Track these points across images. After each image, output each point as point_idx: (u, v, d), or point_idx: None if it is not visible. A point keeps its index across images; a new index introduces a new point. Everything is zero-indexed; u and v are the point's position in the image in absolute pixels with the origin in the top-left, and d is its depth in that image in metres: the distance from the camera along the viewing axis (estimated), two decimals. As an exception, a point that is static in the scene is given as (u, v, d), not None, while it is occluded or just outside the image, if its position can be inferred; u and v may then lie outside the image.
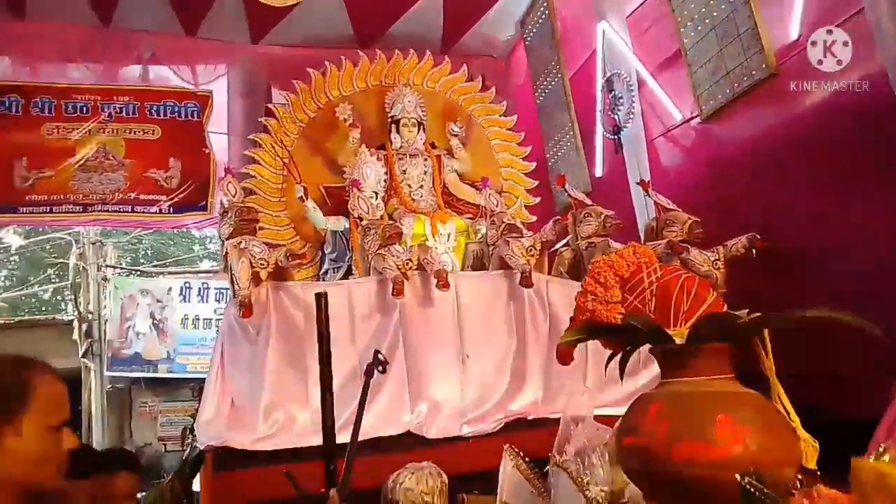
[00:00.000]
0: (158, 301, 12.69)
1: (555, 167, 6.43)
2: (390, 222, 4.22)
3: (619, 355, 1.45)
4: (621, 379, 1.54)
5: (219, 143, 6.72)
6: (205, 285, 12.92)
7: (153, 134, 6.54)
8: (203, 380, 12.46)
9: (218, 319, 12.81)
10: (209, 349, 12.70)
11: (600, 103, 5.51)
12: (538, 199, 6.34)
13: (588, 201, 4.37)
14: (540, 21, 6.39)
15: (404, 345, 3.68)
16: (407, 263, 3.72)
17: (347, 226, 5.32)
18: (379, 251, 3.77)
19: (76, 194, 6.26)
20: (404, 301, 3.66)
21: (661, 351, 1.26)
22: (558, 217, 4.11)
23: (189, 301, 12.77)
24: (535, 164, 6.45)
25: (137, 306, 12.54)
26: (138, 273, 13.44)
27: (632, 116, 5.10)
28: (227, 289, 13.22)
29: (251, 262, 3.53)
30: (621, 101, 5.21)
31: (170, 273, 13.53)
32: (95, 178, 6.32)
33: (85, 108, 6.42)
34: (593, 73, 5.66)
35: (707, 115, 4.42)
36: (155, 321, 12.69)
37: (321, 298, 2.74)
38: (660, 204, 4.28)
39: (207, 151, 6.60)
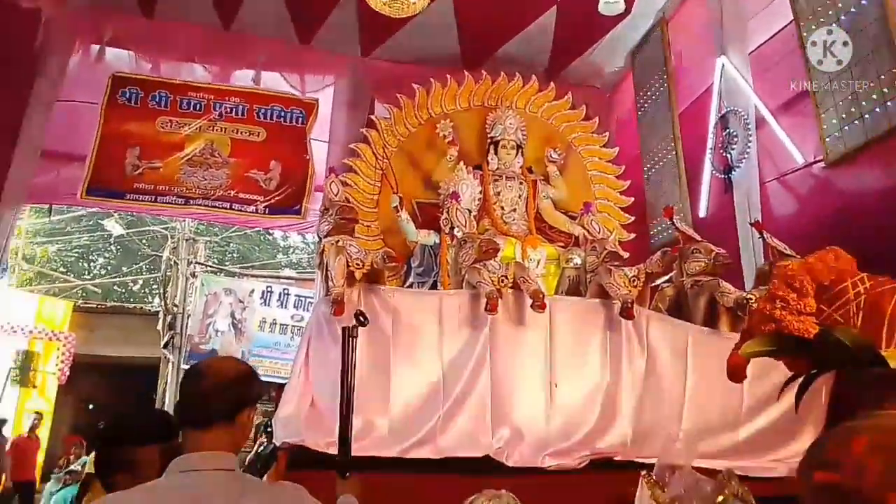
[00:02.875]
0: (240, 301, 13.03)
1: (654, 203, 6.20)
2: (487, 237, 4.12)
3: (800, 379, 1.23)
4: (796, 408, 1.32)
5: (319, 151, 6.84)
6: (286, 291, 13.21)
7: (258, 136, 6.73)
8: (275, 384, 12.75)
9: (295, 326, 13.09)
10: (283, 353, 13.08)
11: (712, 141, 5.27)
12: (633, 236, 6.13)
13: (697, 236, 4.14)
14: (653, 53, 6.23)
15: (491, 364, 3.52)
16: (502, 280, 3.59)
17: (437, 241, 5.27)
18: (474, 265, 3.66)
19: (180, 187, 6.48)
20: (496, 318, 3.52)
21: (875, 376, 1.02)
22: (668, 249, 3.89)
23: (269, 305, 13.05)
24: (632, 199, 6.26)
25: (220, 304, 12.91)
26: (225, 272, 13.83)
27: (746, 156, 4.85)
28: (306, 297, 13.54)
29: (348, 262, 3.49)
30: (736, 139, 4.96)
31: (254, 276, 13.87)
32: (200, 174, 6.53)
33: (198, 106, 6.68)
34: (706, 109, 5.44)
35: (833, 160, 4.13)
36: (234, 321, 13.02)
37: (347, 332, 2.59)
38: (775, 248, 4.01)
39: (307, 157, 6.73)
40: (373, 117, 6.38)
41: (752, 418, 3.68)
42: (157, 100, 6.63)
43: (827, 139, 4.15)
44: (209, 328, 12.89)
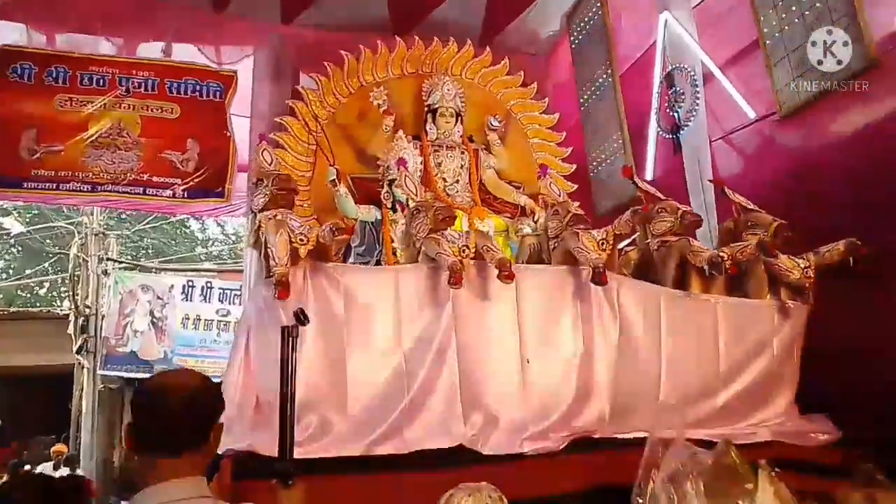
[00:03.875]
0: (159, 298, 12.23)
1: (599, 169, 6.03)
2: (442, 204, 3.78)
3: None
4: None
5: (240, 127, 6.31)
6: (208, 284, 12.49)
7: (172, 112, 6.13)
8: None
9: (220, 321, 12.41)
10: (210, 351, 12.36)
11: (657, 101, 5.12)
12: (577, 204, 5.95)
13: (660, 195, 3.95)
14: (590, 14, 6.02)
15: (457, 343, 3.19)
16: (463, 250, 3.27)
17: (379, 217, 4.91)
18: (430, 235, 3.32)
19: (85, 172, 5.83)
20: (459, 293, 3.19)
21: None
22: (638, 207, 3.66)
23: (191, 300, 12.31)
24: (574, 166, 6.07)
25: (137, 303, 12.07)
26: (141, 268, 12.94)
27: (694, 114, 4.71)
28: (231, 289, 12.85)
29: (290, 237, 3.09)
30: (683, 97, 4.82)
31: (173, 270, 13.05)
32: (107, 156, 5.90)
33: (102, 81, 6.02)
34: (649, 68, 5.28)
35: (787, 113, 4.02)
36: (154, 319, 12.22)
37: (288, 331, 2.34)
38: (739, 204, 3.87)
39: (228, 134, 6.20)
40: (299, 88, 5.91)
41: (728, 383, 3.53)
42: (53, 76, 5.93)
43: (779, 91, 4.03)
44: (126, 329, 12.03)
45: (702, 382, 3.51)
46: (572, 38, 6.37)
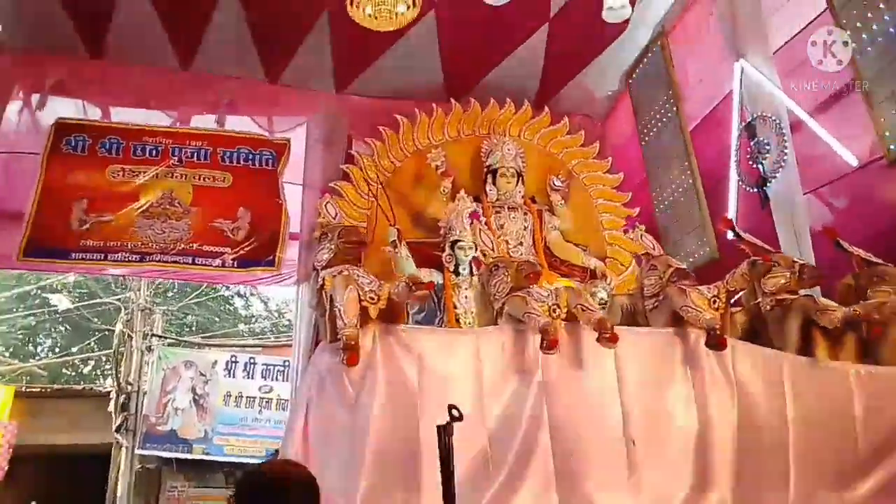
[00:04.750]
0: (202, 374, 11.93)
1: (669, 230, 5.65)
2: (526, 259, 3.42)
3: None
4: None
5: (292, 195, 6.14)
6: (252, 360, 12.17)
7: (224, 181, 6.00)
8: (241, 464, 11.58)
9: (263, 398, 12.02)
10: (251, 430, 11.95)
11: (736, 153, 4.77)
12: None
13: (767, 247, 3.53)
14: (653, 70, 5.79)
15: (550, 421, 2.75)
16: (554, 309, 2.90)
17: (441, 281, 4.58)
18: (515, 294, 2.95)
19: (134, 241, 5.66)
20: (549, 361, 2.79)
21: None
22: (757, 259, 3.23)
23: (234, 376, 11.98)
24: (643, 227, 5.72)
25: (179, 379, 11.79)
26: (185, 343, 12.75)
27: (783, 165, 4.34)
28: (274, 365, 12.57)
29: (359, 295, 2.76)
30: (767, 148, 4.47)
31: (217, 346, 12.82)
32: (158, 226, 5.74)
33: (154, 152, 5.94)
34: (724, 121, 4.97)
35: (896, 157, 3.63)
36: (196, 396, 11.88)
37: (443, 432, 2.03)
38: (859, 258, 3.42)
39: (280, 202, 6.01)
40: (353, 152, 5.76)
41: (869, 471, 2.96)
42: (107, 147, 5.87)
43: (887, 133, 3.66)
44: (167, 406, 11.70)
45: (837, 468, 2.97)
46: (633, 97, 6.13)
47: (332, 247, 3.06)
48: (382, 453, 2.62)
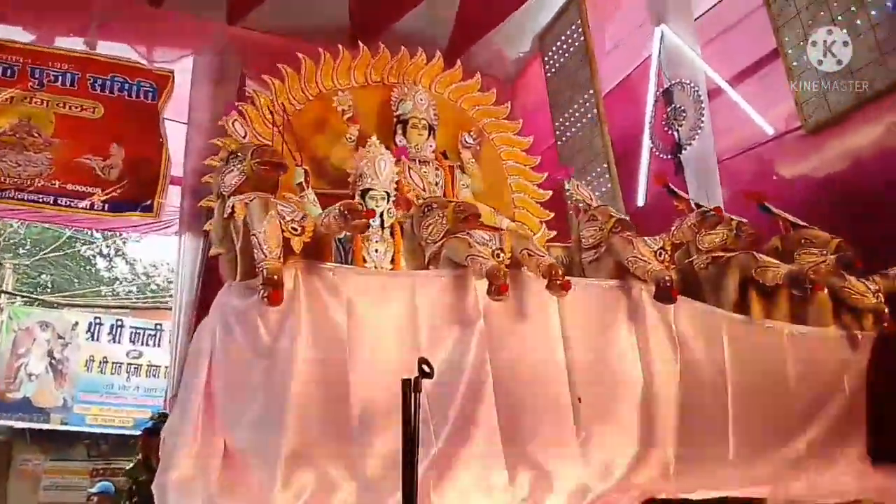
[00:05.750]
0: (60, 337, 10.83)
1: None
2: (462, 201, 3.12)
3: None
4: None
5: (175, 134, 5.49)
6: (119, 322, 11.19)
7: (93, 112, 5.26)
8: (105, 435, 10.60)
9: (131, 364, 11.10)
10: (116, 398, 11.02)
11: (651, 119, 4.71)
12: (554, 233, 5.46)
13: (701, 204, 3.43)
14: (567, 34, 5.64)
15: (493, 375, 2.47)
16: (497, 254, 2.63)
17: (349, 233, 4.21)
18: (454, 235, 2.65)
19: (-16, 175, 4.87)
20: (491, 310, 2.51)
21: None
22: (709, 210, 3.08)
23: (98, 340, 10.97)
24: (550, 192, 5.61)
25: (34, 342, 10.63)
26: (42, 302, 11.51)
27: (699, 132, 4.31)
28: (145, 329, 11.63)
29: (281, 225, 2.34)
30: (683, 115, 4.43)
31: (79, 306, 11.67)
32: (11, 158, 4.95)
33: (10, 72, 5.11)
34: (639, 87, 4.90)
35: (815, 126, 3.66)
36: (53, 361, 10.78)
37: (409, 386, 1.83)
38: (786, 220, 3.40)
39: (161, 141, 5.36)
40: (248, 90, 5.21)
41: (801, 430, 2.94)
42: (-52, 62, 4.98)
43: (805, 103, 3.67)
44: (20, 371, 10.54)
45: (773, 428, 2.92)
46: (546, 59, 5.97)
47: (244, 168, 2.57)
48: (306, 410, 2.24)
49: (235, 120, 2.92)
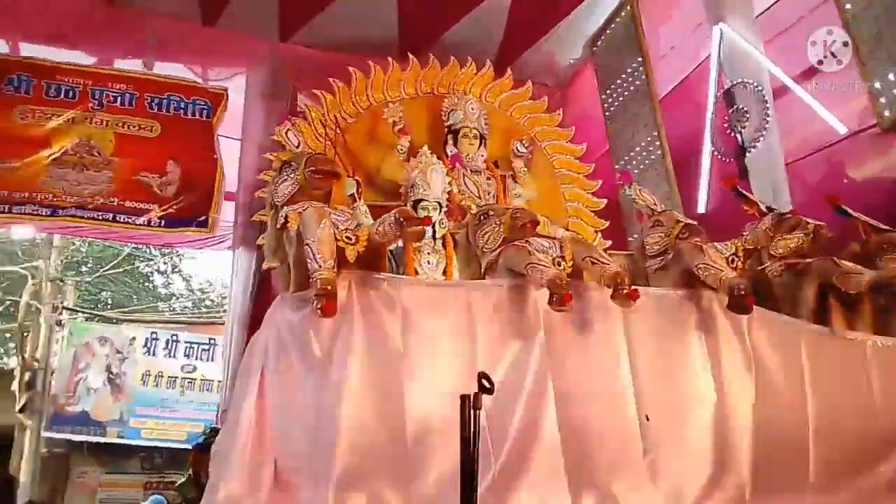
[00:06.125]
0: (118, 352, 11.06)
1: (632, 205, 5.40)
2: (520, 207, 3.03)
3: None
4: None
5: (229, 150, 5.57)
6: (174, 338, 11.38)
7: (151, 131, 5.36)
8: (159, 449, 10.76)
9: (185, 378, 11.28)
10: (171, 412, 11.19)
11: (711, 122, 4.54)
12: (609, 243, 5.31)
13: (773, 207, 3.26)
14: (619, 36, 5.52)
15: (556, 393, 2.33)
16: (558, 262, 2.53)
17: (402, 245, 4.17)
18: (513, 243, 2.56)
19: (45, 193, 4.99)
20: (553, 322, 2.39)
21: None
22: (785, 213, 2.92)
23: (154, 354, 11.17)
24: (605, 201, 5.47)
25: (93, 356, 10.89)
26: (101, 318, 11.81)
27: (764, 133, 4.12)
28: (199, 343, 11.83)
29: (335, 233, 2.29)
30: (747, 116, 4.25)
31: (136, 321, 11.94)
32: (72, 176, 5.08)
33: (71, 93, 5.25)
34: (699, 89, 4.73)
35: (891, 124, 3.46)
36: (111, 375, 11.02)
37: (469, 402, 1.72)
38: (867, 224, 3.20)
39: (215, 157, 5.43)
40: (300, 104, 5.25)
41: (889, 452, 2.74)
42: (15, 84, 5.15)
43: (882, 100, 3.47)
44: (79, 385, 10.81)
45: (857, 451, 2.71)
46: (598, 65, 5.85)
47: (298, 177, 2.52)
48: (359, 428, 2.17)
49: (289, 130, 2.88)
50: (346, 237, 2.34)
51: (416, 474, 2.21)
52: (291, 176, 2.55)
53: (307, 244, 2.27)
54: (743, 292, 2.45)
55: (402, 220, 2.25)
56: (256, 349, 2.50)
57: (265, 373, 2.41)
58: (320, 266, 2.20)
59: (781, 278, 3.06)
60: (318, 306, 2.15)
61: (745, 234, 2.88)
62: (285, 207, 2.49)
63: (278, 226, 2.51)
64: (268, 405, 2.37)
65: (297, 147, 2.77)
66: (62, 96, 5.22)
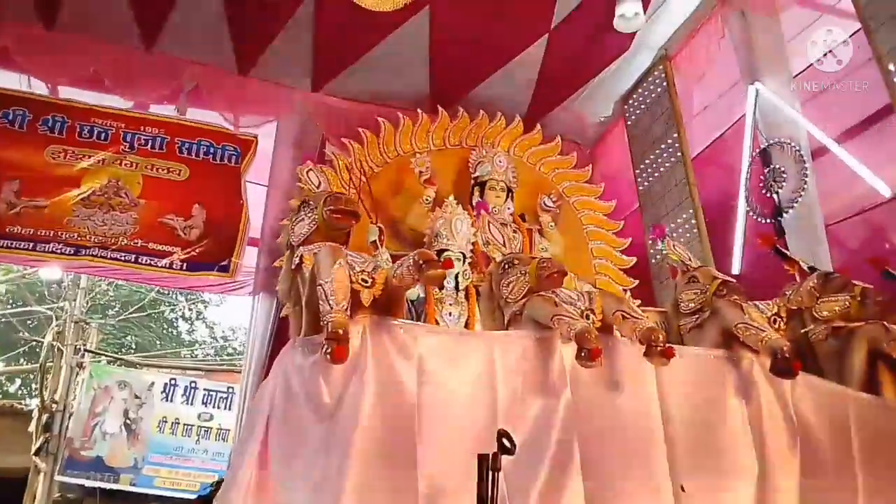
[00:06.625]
0: (136, 397, 10.98)
1: (661, 265, 5.24)
2: (547, 257, 2.91)
3: None
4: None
5: (255, 197, 5.57)
6: (193, 384, 11.28)
7: (179, 174, 5.40)
8: (171, 498, 10.55)
9: (202, 427, 11.11)
10: (184, 461, 10.99)
11: (747, 182, 4.41)
12: (638, 302, 5.14)
13: (815, 267, 3.08)
14: (651, 95, 5.46)
15: (582, 455, 2.16)
16: (587, 315, 2.39)
17: (422, 294, 4.06)
18: (539, 294, 2.42)
19: (71, 232, 5.01)
20: (579, 379, 2.24)
21: None
22: (833, 273, 2.74)
23: (171, 401, 11.06)
24: (634, 259, 5.32)
25: (111, 400, 10.82)
26: (122, 362, 11.78)
27: (802, 194, 3.98)
28: (217, 391, 11.72)
29: (350, 275, 2.18)
30: (784, 176, 4.11)
31: (155, 366, 11.89)
32: (98, 217, 5.10)
33: (104, 135, 5.33)
34: (733, 148, 4.62)
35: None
36: (128, 420, 10.91)
37: (487, 463, 1.63)
38: None
39: (241, 202, 5.43)
40: (329, 151, 5.24)
41: None
42: (49, 125, 5.25)
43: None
44: (95, 429, 10.70)
45: None
46: (629, 123, 5.78)
47: (315, 217, 2.44)
48: (368, 483, 1.99)
49: (310, 170, 2.83)
50: (363, 279, 2.22)
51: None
52: (309, 215, 2.47)
53: (320, 285, 2.16)
54: (787, 355, 2.27)
55: (421, 262, 2.12)
56: (263, 395, 2.37)
57: (270, 421, 2.26)
58: (332, 308, 2.09)
59: (827, 342, 2.86)
60: (329, 351, 2.03)
61: (787, 293, 2.69)
62: (301, 248, 2.40)
63: (293, 267, 2.42)
64: (271, 456, 2.22)
65: (318, 187, 2.70)
66: (94, 138, 5.31)
